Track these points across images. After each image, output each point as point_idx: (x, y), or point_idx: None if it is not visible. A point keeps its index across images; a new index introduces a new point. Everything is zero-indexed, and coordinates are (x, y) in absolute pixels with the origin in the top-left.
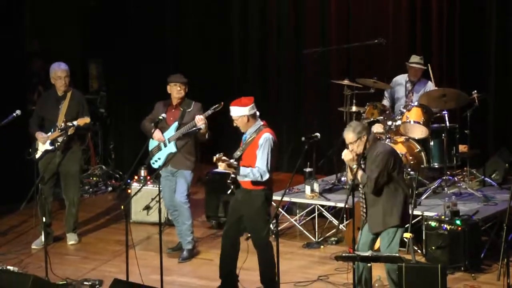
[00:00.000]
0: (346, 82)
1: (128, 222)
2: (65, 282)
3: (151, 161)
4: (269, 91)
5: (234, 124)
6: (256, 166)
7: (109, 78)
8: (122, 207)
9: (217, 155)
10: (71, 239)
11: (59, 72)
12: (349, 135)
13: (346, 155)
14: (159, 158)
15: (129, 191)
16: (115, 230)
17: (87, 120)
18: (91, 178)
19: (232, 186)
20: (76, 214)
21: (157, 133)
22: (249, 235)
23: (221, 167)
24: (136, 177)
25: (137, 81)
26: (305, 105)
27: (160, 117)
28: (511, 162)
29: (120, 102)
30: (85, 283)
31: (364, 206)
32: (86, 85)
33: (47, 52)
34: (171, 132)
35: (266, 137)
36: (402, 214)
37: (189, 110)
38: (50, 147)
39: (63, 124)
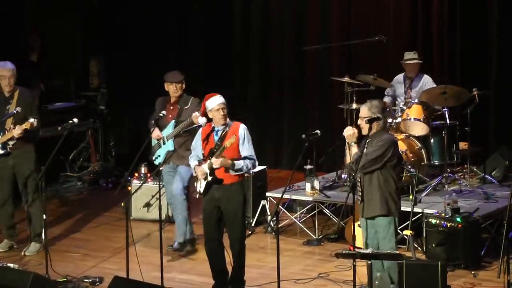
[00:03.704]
0: (346, 79)
1: (128, 219)
2: (65, 279)
3: (153, 158)
4: (270, 88)
5: (221, 114)
6: (245, 157)
7: (110, 75)
8: (123, 204)
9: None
10: (32, 250)
11: (4, 71)
12: (364, 109)
13: (348, 130)
14: (159, 155)
15: (129, 188)
16: (116, 227)
17: (28, 124)
18: (91, 175)
19: (200, 189)
20: (37, 215)
21: (154, 132)
22: (249, 232)
23: (217, 164)
24: (136, 174)
25: (137, 78)
26: (306, 102)
27: (161, 114)
28: (511, 159)
29: (120, 99)
30: (85, 280)
31: (360, 190)
32: (87, 82)
33: (48, 49)
34: (169, 129)
35: (245, 127)
36: (394, 205)
37: (186, 107)
38: (2, 151)
39: (12, 126)
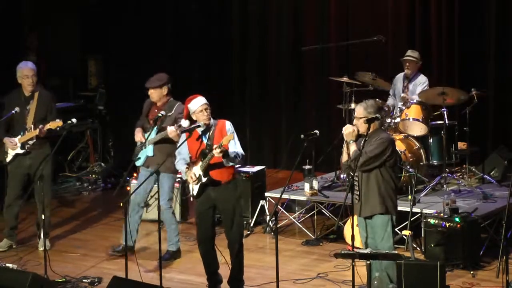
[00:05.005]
0: (345, 79)
1: (127, 220)
2: (64, 279)
3: (135, 158)
4: (268, 88)
5: (205, 115)
6: (234, 151)
7: (108, 75)
8: (121, 204)
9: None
10: (42, 245)
11: (25, 70)
12: (359, 109)
13: (347, 128)
14: (139, 158)
15: (128, 188)
16: (114, 227)
17: (59, 123)
18: (90, 175)
19: (193, 192)
20: (48, 217)
21: (137, 133)
22: (248, 232)
23: (218, 154)
24: (135, 175)
25: (136, 78)
26: (304, 103)
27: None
28: (510, 159)
29: (119, 99)
30: (84, 280)
31: (357, 189)
32: (85, 82)
33: (46, 48)
34: (152, 134)
35: (230, 123)
36: (392, 204)
37: (170, 114)
38: (21, 151)
39: (32, 126)
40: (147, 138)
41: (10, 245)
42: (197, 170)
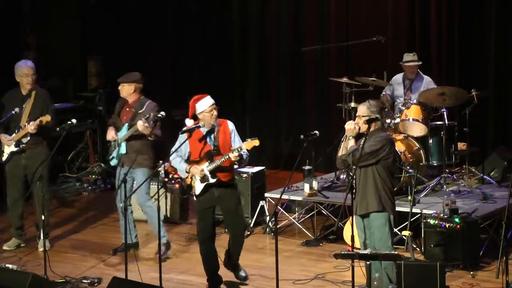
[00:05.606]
0: (345, 79)
1: (127, 220)
2: (64, 280)
3: (109, 158)
4: (268, 89)
5: (214, 115)
6: (245, 152)
7: (108, 76)
8: (121, 204)
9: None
10: (42, 245)
11: (25, 69)
12: (362, 108)
13: (350, 124)
14: (113, 157)
15: None
16: (114, 228)
17: (48, 118)
18: (90, 176)
19: (196, 190)
20: (46, 217)
21: (109, 132)
22: (248, 232)
23: (234, 157)
24: None
25: None
26: (304, 103)
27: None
28: (510, 160)
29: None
30: (84, 281)
31: (355, 187)
32: (85, 82)
33: (46, 49)
34: (122, 132)
35: (232, 123)
36: (390, 203)
37: (141, 110)
38: (15, 149)
39: (26, 123)
40: (119, 136)
41: (19, 244)
42: (205, 169)
